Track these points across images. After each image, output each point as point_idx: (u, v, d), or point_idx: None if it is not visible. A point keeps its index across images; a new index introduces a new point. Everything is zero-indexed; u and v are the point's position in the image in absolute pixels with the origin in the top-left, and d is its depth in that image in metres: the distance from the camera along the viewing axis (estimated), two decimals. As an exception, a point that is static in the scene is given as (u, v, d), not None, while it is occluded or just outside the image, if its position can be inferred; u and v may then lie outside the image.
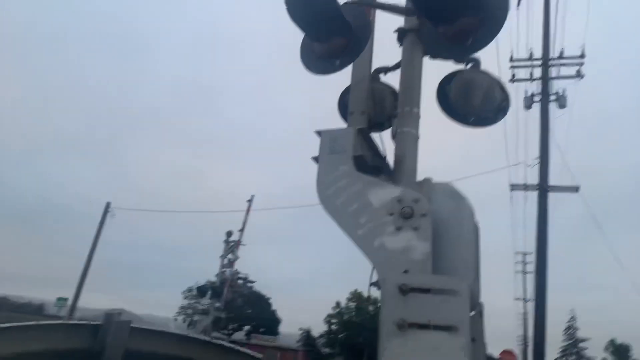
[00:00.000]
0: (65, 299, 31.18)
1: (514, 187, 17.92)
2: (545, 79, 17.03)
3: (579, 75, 17.68)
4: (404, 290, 2.08)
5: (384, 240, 2.30)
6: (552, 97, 17.70)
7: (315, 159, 2.68)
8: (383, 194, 2.41)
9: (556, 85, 18.09)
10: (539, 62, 17.95)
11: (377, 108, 3.39)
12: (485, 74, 3.22)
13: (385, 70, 3.59)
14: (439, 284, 2.08)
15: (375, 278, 2.43)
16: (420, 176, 2.78)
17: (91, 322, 2.86)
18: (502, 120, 3.28)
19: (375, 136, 3.17)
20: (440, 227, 2.37)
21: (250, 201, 25.01)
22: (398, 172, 2.80)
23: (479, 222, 2.64)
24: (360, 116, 3.06)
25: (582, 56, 17.56)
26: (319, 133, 2.72)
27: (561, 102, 17.95)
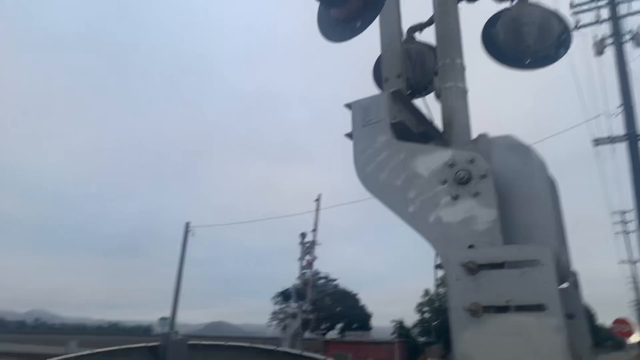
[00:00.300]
0: (167, 319, 32.95)
1: (598, 141, 16.32)
2: (615, 18, 15.34)
3: (654, 5, 15.73)
4: (472, 268, 1.72)
5: (439, 214, 1.95)
6: (626, 37, 15.91)
7: (349, 135, 2.37)
8: (431, 160, 2.06)
9: (629, 24, 16.26)
10: (605, 1, 16.22)
11: (416, 69, 3.03)
12: (536, 6, 2.74)
13: (420, 27, 3.21)
14: (514, 254, 1.70)
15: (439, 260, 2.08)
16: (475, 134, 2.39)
17: (149, 344, 2.83)
18: (565, 56, 2.78)
19: (420, 103, 2.82)
20: (506, 188, 1.97)
21: (318, 200, 25.00)
22: (448, 134, 2.42)
23: (555, 178, 2.20)
24: (396, 80, 2.71)
25: (654, -17, 15.60)
26: (348, 106, 2.41)
27: (637, 40, 16.09)
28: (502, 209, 1.89)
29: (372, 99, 2.34)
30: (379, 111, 2.28)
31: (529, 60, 2.82)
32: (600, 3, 16.50)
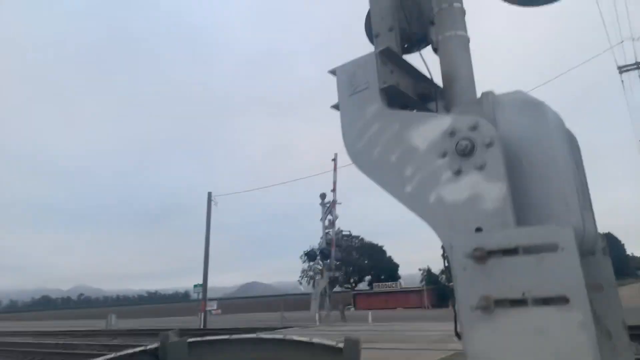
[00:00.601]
0: (201, 285, 33.89)
1: (623, 68, 15.38)
2: None
3: None
4: (480, 256, 1.48)
5: (441, 193, 1.69)
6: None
7: (336, 106, 2.09)
8: (429, 129, 1.77)
9: None
10: None
11: (412, 19, 2.67)
12: None
13: (414, -31, 2.81)
14: (529, 238, 1.44)
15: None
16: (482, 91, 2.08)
17: (147, 347, 2.78)
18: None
19: (418, 60, 2.50)
20: (518, 156, 1.69)
21: (335, 160, 24.70)
22: (449, 93, 2.11)
23: (573, 131, 1.89)
24: (387, 34, 2.38)
25: None
26: (333, 72, 2.11)
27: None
28: (514, 182, 1.62)
29: (357, 62, 2.04)
30: (367, 76, 1.99)
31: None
32: None
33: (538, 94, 1.84)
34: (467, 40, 2.21)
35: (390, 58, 2.06)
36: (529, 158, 1.68)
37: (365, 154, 1.91)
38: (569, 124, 2.01)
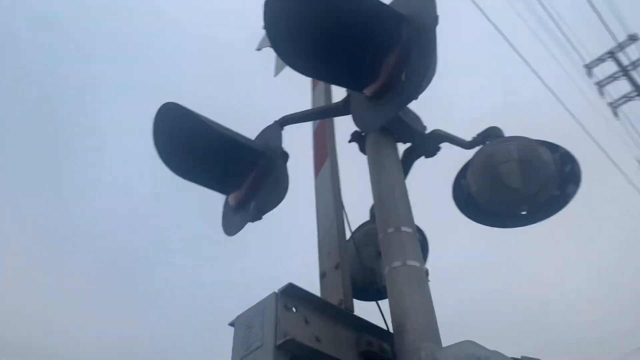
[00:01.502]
0: None
1: None
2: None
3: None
4: None
5: None
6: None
7: (231, 371, 1.45)
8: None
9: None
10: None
11: (374, 257, 2.17)
12: (511, 140, 1.97)
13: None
14: None
15: None
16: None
17: None
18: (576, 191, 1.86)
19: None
20: None
21: None
22: (398, 345, 1.43)
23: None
24: (334, 273, 1.88)
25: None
26: (232, 324, 1.56)
27: None
28: None
29: (255, 308, 1.49)
30: (262, 328, 1.40)
31: (525, 209, 1.91)
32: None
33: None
34: (425, 272, 1.63)
35: (300, 294, 1.49)
36: None
37: None
38: None
